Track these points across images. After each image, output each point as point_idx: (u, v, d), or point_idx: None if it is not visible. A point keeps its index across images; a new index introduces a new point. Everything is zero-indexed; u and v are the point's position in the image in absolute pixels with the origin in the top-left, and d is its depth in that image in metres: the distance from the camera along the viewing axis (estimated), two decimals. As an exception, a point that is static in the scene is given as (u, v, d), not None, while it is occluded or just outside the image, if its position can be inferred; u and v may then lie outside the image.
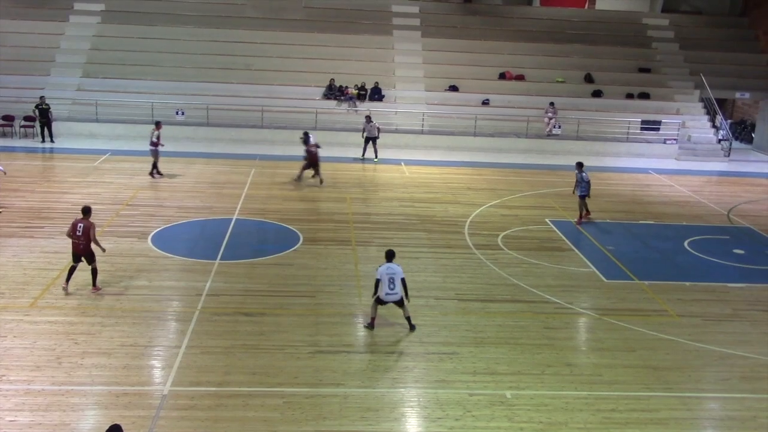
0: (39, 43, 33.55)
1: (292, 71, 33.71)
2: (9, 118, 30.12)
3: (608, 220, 22.31)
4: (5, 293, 14.84)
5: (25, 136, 29.79)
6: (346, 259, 17.87)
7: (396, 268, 13.86)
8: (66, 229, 15.51)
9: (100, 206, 20.93)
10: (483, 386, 12.15)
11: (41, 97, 29.26)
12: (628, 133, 33.78)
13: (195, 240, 18.80)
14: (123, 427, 8.54)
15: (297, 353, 12.98)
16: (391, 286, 13.74)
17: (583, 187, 21.36)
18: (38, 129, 29.38)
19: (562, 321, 14.92)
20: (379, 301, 13.95)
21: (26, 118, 29.95)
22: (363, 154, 28.63)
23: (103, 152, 27.56)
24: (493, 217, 21.94)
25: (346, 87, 33.23)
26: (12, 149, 28.06)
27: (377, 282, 13.81)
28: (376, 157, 28.44)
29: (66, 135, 29.65)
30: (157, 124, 24.87)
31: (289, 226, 20.04)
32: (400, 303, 13.90)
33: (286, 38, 35.10)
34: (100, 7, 35.79)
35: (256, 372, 12.28)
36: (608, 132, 33.64)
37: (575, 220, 21.63)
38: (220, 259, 17.31)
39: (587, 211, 21.81)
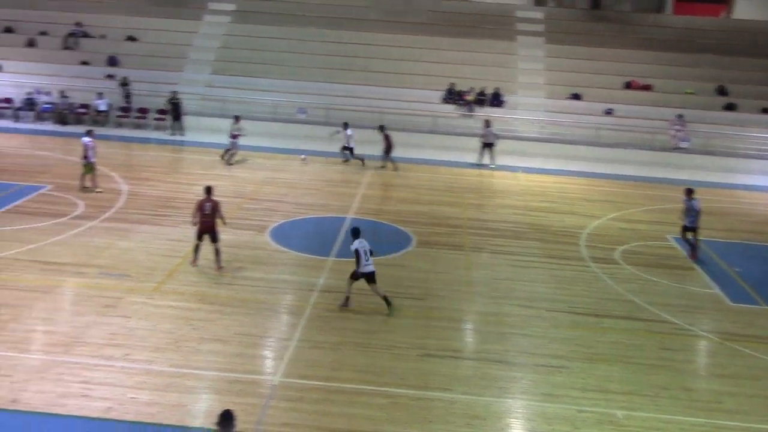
0: (174, 40, 35.19)
1: (412, 74, 33.88)
2: (144, 111, 31.77)
3: (737, 241, 21.20)
4: (133, 276, 15.63)
5: (158, 128, 31.31)
6: (458, 263, 17.78)
7: (366, 242, 14.73)
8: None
9: (222, 199, 21.59)
10: (593, 403, 11.78)
11: (173, 92, 30.68)
12: (762, 150, 31.94)
13: (311, 236, 19.20)
14: (234, 413, 8.81)
15: (405, 354, 13.01)
16: (367, 258, 14.59)
17: (692, 217, 18.99)
18: (170, 121, 30.82)
19: (681, 342, 14.28)
20: (354, 276, 14.62)
21: (159, 111, 31.49)
22: (479, 160, 28.40)
23: (225, 146, 28.54)
24: (611, 231, 21.27)
25: (465, 92, 33.09)
26: (145, 140, 29.55)
27: (357, 256, 14.45)
28: (493, 163, 28.13)
29: (195, 129, 30.93)
30: (236, 118, 26.75)
31: (403, 228, 20.13)
32: (372, 278, 14.59)
33: (408, 41, 35.32)
34: (232, 7, 37.18)
35: (363, 370, 12.40)
36: (741, 148, 31.96)
37: (688, 254, 19.24)
38: (334, 257, 17.59)
39: (694, 247, 19.13)
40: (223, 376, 11.93)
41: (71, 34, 35.13)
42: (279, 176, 24.90)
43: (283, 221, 20.08)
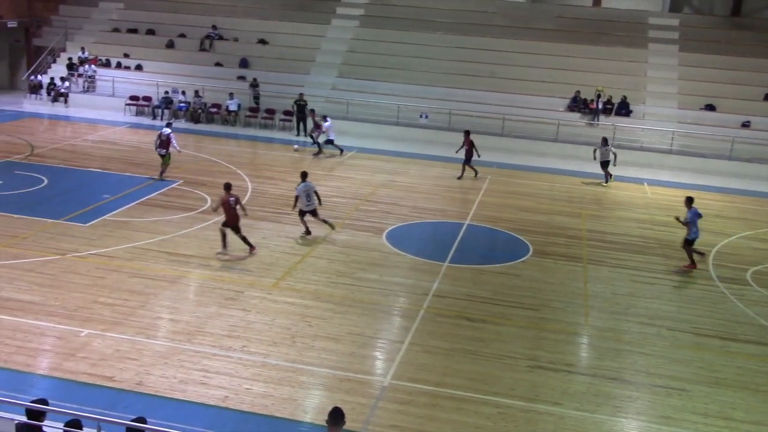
0: (303, 43, 36.17)
1: (537, 81, 33.35)
2: (271, 112, 32.84)
3: None
4: (253, 271, 16.18)
5: (283, 128, 32.27)
6: (575, 276, 17.36)
7: (310, 184, 18.22)
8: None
9: (341, 200, 22.14)
10: (714, 431, 11.20)
11: (300, 94, 31.53)
12: None
13: (426, 241, 19.25)
14: (344, 411, 8.95)
15: (515, 365, 12.83)
16: (309, 199, 18.11)
17: (693, 230, 17.90)
18: (295, 123, 31.71)
19: (816, 373, 13.35)
20: (301, 213, 18.31)
21: (285, 113, 32.46)
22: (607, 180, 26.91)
23: (349, 149, 29.09)
24: (744, 250, 20.16)
25: (591, 100, 32.25)
26: (270, 140, 30.53)
27: (296, 198, 18.18)
28: (607, 181, 26.73)
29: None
30: (312, 112, 29.70)
31: (520, 237, 19.85)
32: (314, 213, 18.27)
33: (534, 47, 34.79)
34: (360, 11, 37.82)
35: (473, 378, 12.31)
36: None
37: (684, 265, 18.23)
38: (449, 262, 17.56)
39: (692, 261, 18.14)
40: (335, 374, 12.14)
41: (207, 37, 36.78)
42: (398, 179, 25.11)
43: (399, 224, 20.23)
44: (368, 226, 19.85)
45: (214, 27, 37.12)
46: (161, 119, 32.58)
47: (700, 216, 18.08)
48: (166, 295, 14.72)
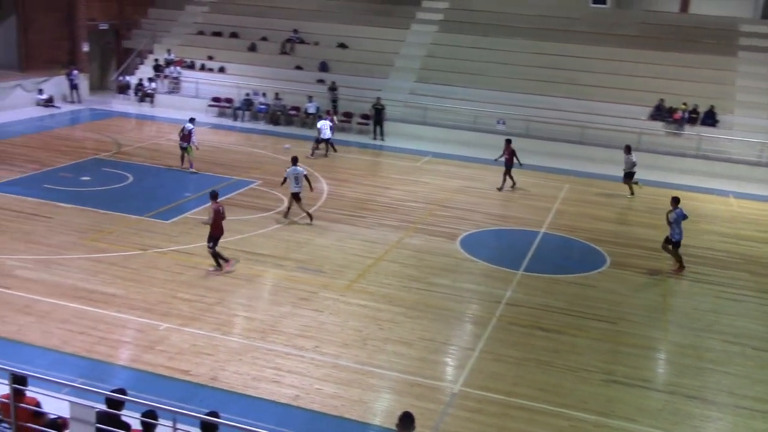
0: (382, 48, 36.33)
1: (619, 88, 32.59)
2: (348, 115, 33.11)
3: None
4: (327, 273, 16.33)
5: (360, 132, 32.48)
6: (654, 289, 16.88)
7: (300, 169, 19.09)
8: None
9: (415, 204, 22.13)
10: (800, 456, 10.72)
11: (378, 98, 31.67)
12: None
13: (501, 248, 19.06)
14: (414, 416, 8.92)
15: (589, 378, 12.55)
16: (297, 182, 18.98)
17: (676, 231, 17.66)
18: (372, 126, 31.88)
19: None
20: (294, 196, 19.23)
21: (362, 116, 32.67)
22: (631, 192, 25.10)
23: (425, 153, 29.08)
24: (836, 268, 19.21)
25: (676, 109, 31.32)
26: (347, 143, 30.77)
27: (285, 179, 19.32)
28: (632, 193, 25.20)
29: (395, 134, 31.74)
30: (327, 112, 30.10)
31: (597, 247, 19.43)
32: (298, 197, 19.15)
33: (617, 54, 34.01)
34: (439, 16, 37.77)
35: (545, 389, 12.10)
36: None
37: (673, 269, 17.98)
38: (523, 271, 17.33)
39: (680, 264, 17.96)
40: (405, 378, 12.13)
41: (288, 40, 37.37)
42: (473, 185, 24.94)
43: (473, 230, 20.08)
44: (442, 231, 19.78)
45: (295, 31, 37.69)
46: (242, 120, 33.28)
47: (685, 217, 17.73)
48: (242, 293, 15.00)
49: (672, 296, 16.52)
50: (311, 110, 32.90)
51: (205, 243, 16.15)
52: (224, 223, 16.27)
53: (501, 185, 24.53)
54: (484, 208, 22.26)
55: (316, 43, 37.43)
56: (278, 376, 11.88)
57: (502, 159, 24.55)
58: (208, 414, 8.70)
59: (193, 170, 23.96)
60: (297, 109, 33.47)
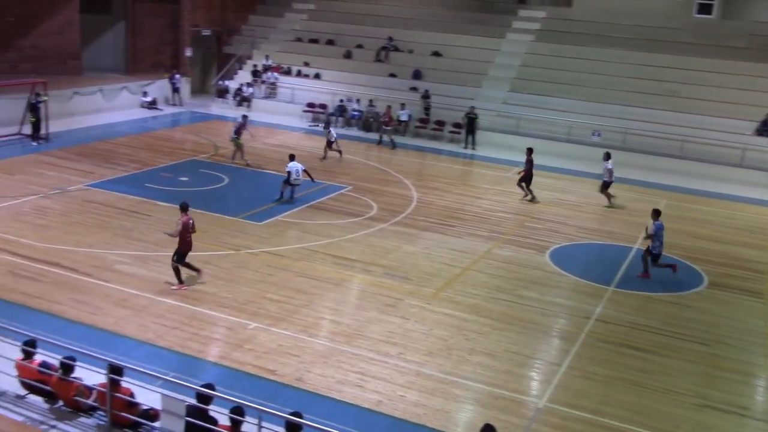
0: (476, 56, 36.16)
1: (723, 102, 31.33)
2: (440, 123, 33.07)
3: None
4: (413, 280, 16.33)
5: (452, 140, 32.38)
6: (755, 312, 16.12)
7: (299, 165, 21.38)
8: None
9: (505, 215, 21.89)
10: None
11: (471, 107, 31.48)
12: None
13: (592, 262, 18.61)
14: (496, 429, 8.81)
15: (681, 401, 12.09)
16: (297, 175, 21.16)
17: (656, 244, 17.28)
18: (464, 135, 31.73)
19: None
20: (289, 183, 21.27)
21: (454, 125, 32.58)
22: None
23: (517, 164, 28.66)
24: None
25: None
26: (438, 151, 30.76)
27: (289, 173, 21.18)
28: (609, 204, 23.84)
29: (487, 144, 31.50)
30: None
31: (694, 266, 18.72)
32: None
33: (722, 66, 32.72)
34: (536, 26, 37.30)
35: (634, 410, 11.73)
36: None
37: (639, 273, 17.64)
38: (615, 287, 16.87)
39: (646, 270, 17.58)
40: (489, 390, 11.99)
41: (383, 48, 37.69)
42: (566, 198, 24.47)
43: (564, 243, 19.69)
44: (532, 243, 19.48)
45: (390, 38, 37.97)
46: (335, 127, 33.73)
47: (662, 228, 17.46)
48: (330, 296, 15.17)
49: (774, 321, 15.76)
50: (403, 117, 33.03)
51: (295, 245, 16.38)
52: (316, 226, 16.47)
53: (529, 196, 23.63)
54: (577, 221, 21.79)
55: (411, 51, 37.61)
56: (362, 380, 11.94)
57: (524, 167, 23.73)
58: (292, 414, 8.84)
59: (238, 161, 25.66)
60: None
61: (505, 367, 12.78)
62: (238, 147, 25.76)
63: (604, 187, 23.89)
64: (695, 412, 11.83)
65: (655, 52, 33.94)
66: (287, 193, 21.58)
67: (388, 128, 30.88)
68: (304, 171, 21.65)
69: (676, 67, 33.10)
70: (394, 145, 30.34)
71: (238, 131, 25.82)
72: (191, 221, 15.13)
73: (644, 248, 17.92)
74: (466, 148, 31.27)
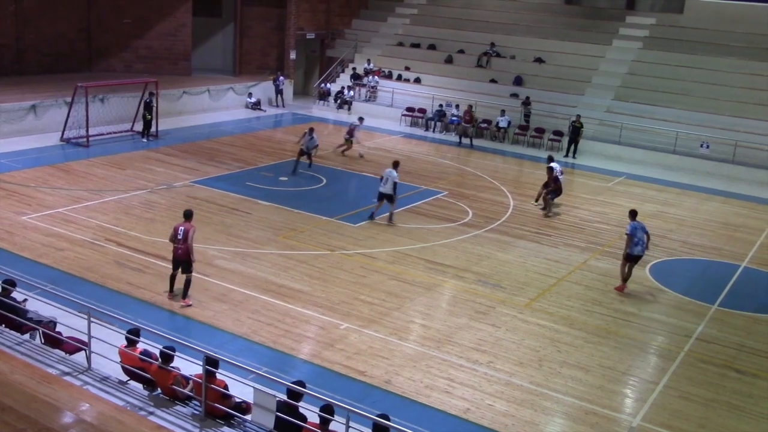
0: (580, 64, 35.41)
1: None
2: (540, 131, 32.55)
3: None
4: (506, 288, 16.13)
5: (551, 148, 31.78)
6: None
7: (393, 172, 19.62)
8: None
9: (604, 226, 21.33)
10: None
11: (578, 116, 30.73)
12: None
13: (695, 279, 17.89)
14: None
15: (788, 430, 11.45)
16: (385, 183, 19.47)
17: (632, 245, 16.39)
18: (565, 143, 31.11)
19: None
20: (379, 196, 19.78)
21: (555, 132, 31.99)
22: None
23: (619, 174, 27.97)
24: None
25: None
26: (537, 159, 30.24)
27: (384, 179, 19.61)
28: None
29: (588, 153, 30.80)
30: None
31: (807, 287, 17.73)
32: (390, 198, 19.58)
33: None
34: (645, 33, 36.22)
35: (735, 435, 11.20)
36: None
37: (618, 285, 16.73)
38: (719, 305, 16.16)
39: (625, 279, 16.70)
40: (580, 405, 11.70)
41: (485, 54, 37.44)
42: (669, 211, 23.62)
43: (666, 258, 19.01)
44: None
45: (492, 44, 37.68)
46: (433, 131, 33.75)
47: (644, 231, 16.68)
48: (421, 300, 15.17)
49: None
50: (502, 124, 32.72)
51: (389, 248, 16.41)
52: (410, 230, 16.47)
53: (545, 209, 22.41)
54: (680, 236, 21.00)
55: (513, 57, 37.21)
56: (450, 387, 11.88)
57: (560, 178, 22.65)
58: (379, 416, 8.87)
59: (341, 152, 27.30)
60: (488, 122, 33.40)
61: (598, 382, 12.44)
62: (347, 144, 27.51)
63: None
64: (802, 442, 11.20)
65: (771, 62, 32.36)
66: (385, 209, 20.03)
67: (468, 126, 31.18)
68: (394, 183, 19.51)
69: (793, 77, 31.46)
70: (469, 144, 30.94)
71: (351, 132, 27.15)
72: (180, 228, 14.05)
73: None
74: (566, 156, 30.65)
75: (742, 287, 17.46)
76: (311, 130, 25.04)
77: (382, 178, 19.91)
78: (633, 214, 17.26)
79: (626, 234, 16.70)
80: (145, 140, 27.17)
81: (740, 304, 16.33)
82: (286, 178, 23.75)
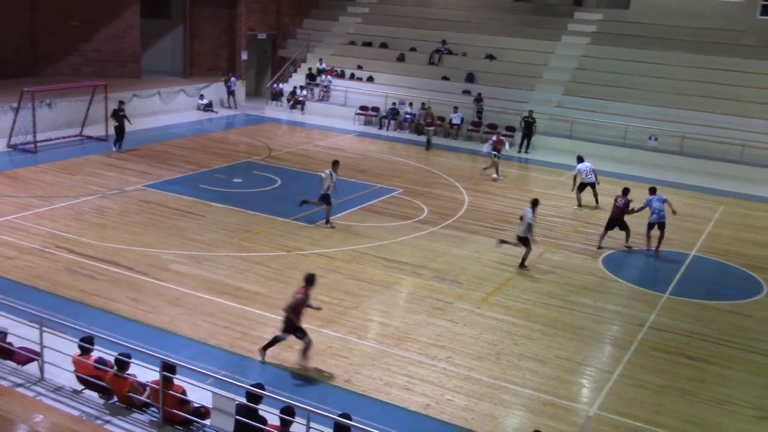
0: (530, 60, 35.82)
1: (787, 106, 30.45)
2: (493, 127, 32.79)
3: None
4: (463, 283, 16.26)
5: (504, 144, 32.08)
6: (817, 323, 15.61)
7: (528, 211, 17.11)
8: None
9: (559, 219, 21.64)
10: None
11: (530, 111, 31.09)
12: None
13: (647, 269, 18.27)
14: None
15: (739, 413, 11.78)
16: (520, 224, 17.22)
17: (658, 214, 18.94)
18: (519, 139, 31.43)
19: None
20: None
21: (507, 128, 32.28)
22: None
23: (571, 168, 28.32)
24: None
25: None
26: (490, 155, 30.49)
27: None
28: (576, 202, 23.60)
29: (541, 148, 31.18)
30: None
31: (754, 274, 18.21)
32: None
33: (787, 69, 31.80)
34: (592, 28, 36.79)
35: (687, 420, 11.48)
36: None
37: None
38: (670, 294, 16.52)
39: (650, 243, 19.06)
40: (538, 396, 11.86)
41: (437, 51, 37.63)
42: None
43: (618, 250, 19.36)
44: (585, 248, 19.21)
45: (444, 42, 37.89)
46: (387, 129, 33.82)
47: (661, 201, 19.11)
48: (379, 298, 15.21)
49: (838, 332, 15.23)
50: (456, 121, 32.94)
51: (346, 247, 16.42)
52: (366, 229, 16.45)
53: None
54: (631, 227, 21.34)
55: (464, 54, 37.46)
56: (410, 383, 11.94)
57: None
58: (340, 416, 8.88)
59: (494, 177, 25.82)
60: (442, 119, 33.56)
61: (555, 373, 12.63)
62: (494, 163, 25.91)
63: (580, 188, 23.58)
64: (753, 424, 11.51)
65: (715, 55, 33.15)
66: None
67: (430, 129, 30.85)
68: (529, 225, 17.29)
69: (737, 70, 32.28)
70: (428, 145, 30.50)
71: (497, 147, 25.90)
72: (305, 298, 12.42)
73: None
74: (519, 151, 30.98)
75: (692, 275, 17.89)
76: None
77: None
78: (652, 190, 19.66)
79: (641, 207, 19.25)
80: (115, 148, 26.24)
81: (690, 292, 16.72)
82: (240, 180, 23.58)
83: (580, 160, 23.32)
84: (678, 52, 33.91)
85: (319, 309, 12.98)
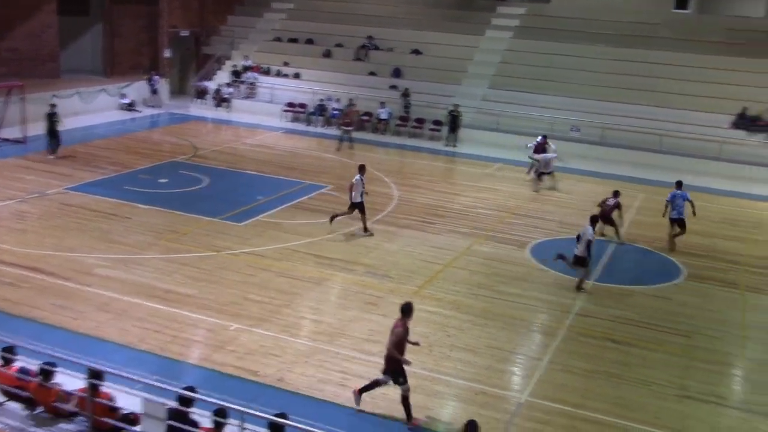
0: (455, 54, 36.22)
1: (701, 96, 31.61)
2: (420, 121, 33.10)
3: None
4: (395, 278, 16.37)
5: (432, 138, 32.41)
6: (732, 304, 16.30)
7: (588, 229, 16.32)
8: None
9: (486, 211, 21.98)
10: None
11: (455, 105, 31.49)
12: None
13: (572, 257, 18.68)
14: (479, 425, 8.88)
15: (662, 393, 12.21)
16: (578, 244, 16.23)
17: (678, 210, 19.41)
18: (446, 133, 31.78)
19: None
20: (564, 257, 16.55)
21: (435, 122, 32.62)
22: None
23: (497, 160, 28.85)
24: None
25: (759, 118, 30.19)
26: (419, 149, 30.77)
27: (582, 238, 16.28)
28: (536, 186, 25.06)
29: (467, 141, 31.59)
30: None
31: (673, 259, 18.90)
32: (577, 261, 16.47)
33: (699, 61, 33.00)
34: (515, 22, 37.43)
35: (615, 402, 11.84)
36: None
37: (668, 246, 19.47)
38: (595, 281, 16.99)
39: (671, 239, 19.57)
40: (470, 386, 12.05)
41: (363, 47, 37.68)
42: (546, 194, 24.59)
43: (544, 239, 19.80)
44: (512, 239, 19.58)
45: (370, 37, 37.96)
46: (315, 126, 33.70)
47: (684, 198, 19.46)
48: (311, 296, 15.18)
49: (751, 312, 15.93)
50: (383, 116, 33.06)
51: (276, 245, 16.28)
52: (296, 226, 16.36)
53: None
54: (557, 217, 21.91)
55: (391, 49, 37.62)
56: (344, 379, 11.96)
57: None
58: (277, 415, 8.84)
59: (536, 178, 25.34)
60: (369, 114, 33.66)
61: (486, 362, 12.85)
62: (534, 165, 25.60)
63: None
64: (675, 402, 11.96)
65: (633, 48, 34.20)
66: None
67: (349, 128, 30.07)
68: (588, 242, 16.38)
69: (654, 61, 33.39)
70: (349, 141, 29.68)
71: (537, 150, 25.57)
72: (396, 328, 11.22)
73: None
74: (447, 145, 31.33)
75: (615, 262, 18.44)
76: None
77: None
78: (678, 184, 19.78)
79: (666, 201, 19.59)
80: (52, 157, 24.93)
81: (614, 278, 17.25)
82: (166, 180, 23.14)
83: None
84: (598, 45, 34.83)
85: (416, 344, 11.42)
